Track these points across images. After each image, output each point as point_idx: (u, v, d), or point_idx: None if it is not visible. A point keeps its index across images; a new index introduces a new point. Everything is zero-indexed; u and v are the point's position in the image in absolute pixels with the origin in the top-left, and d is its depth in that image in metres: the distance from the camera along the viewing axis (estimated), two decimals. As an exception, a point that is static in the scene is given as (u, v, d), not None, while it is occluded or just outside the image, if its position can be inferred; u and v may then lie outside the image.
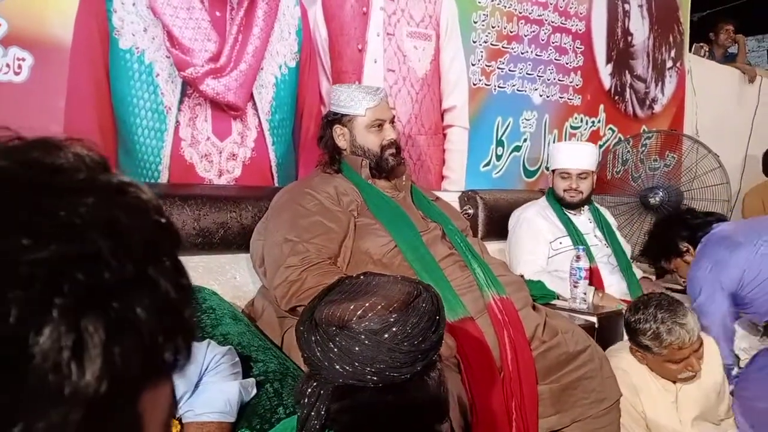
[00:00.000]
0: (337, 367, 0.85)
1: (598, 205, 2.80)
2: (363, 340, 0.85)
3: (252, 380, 1.32)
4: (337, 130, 1.93)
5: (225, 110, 2.09)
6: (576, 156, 2.65)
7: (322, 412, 0.87)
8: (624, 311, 1.96)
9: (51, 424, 0.22)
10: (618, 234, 2.76)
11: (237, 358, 1.32)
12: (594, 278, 2.39)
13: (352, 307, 0.88)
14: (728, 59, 4.69)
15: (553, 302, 2.29)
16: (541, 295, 2.24)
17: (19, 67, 1.71)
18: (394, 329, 0.86)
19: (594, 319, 2.15)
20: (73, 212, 0.24)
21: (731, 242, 2.08)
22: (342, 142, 1.93)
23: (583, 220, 2.65)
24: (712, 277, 2.08)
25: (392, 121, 1.96)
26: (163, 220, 0.29)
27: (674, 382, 1.83)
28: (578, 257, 2.23)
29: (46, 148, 0.26)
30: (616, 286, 2.50)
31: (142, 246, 0.26)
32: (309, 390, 0.89)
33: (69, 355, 0.22)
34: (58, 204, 0.24)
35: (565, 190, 2.61)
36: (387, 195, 1.88)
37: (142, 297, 0.25)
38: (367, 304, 0.88)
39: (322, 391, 0.88)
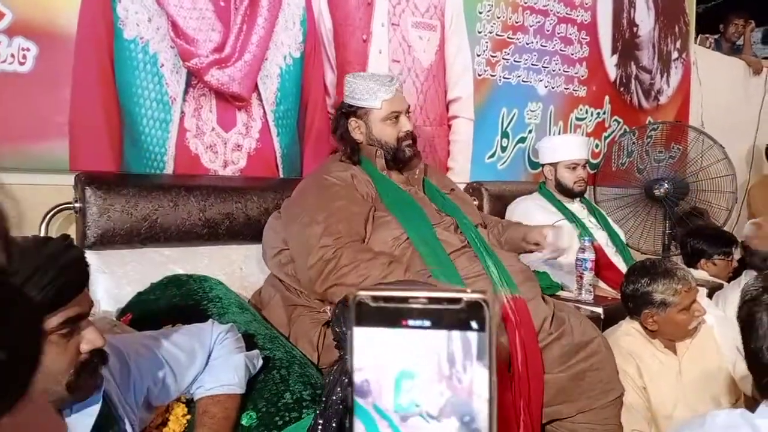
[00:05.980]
0: None
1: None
2: None
3: (256, 352, 1.35)
4: (353, 123, 1.90)
5: (230, 101, 2.09)
6: (578, 146, 2.72)
7: (338, 391, 0.85)
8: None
9: None
10: (609, 219, 2.81)
11: (239, 334, 1.34)
12: (599, 255, 2.39)
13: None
14: (735, 52, 4.66)
15: (558, 293, 2.28)
16: (546, 286, 2.23)
17: (24, 57, 1.71)
18: None
19: (600, 310, 2.14)
20: None
21: None
22: (358, 135, 1.90)
23: (577, 207, 2.70)
24: None
25: (408, 112, 1.93)
26: None
27: (683, 340, 1.83)
28: (583, 249, 2.22)
29: None
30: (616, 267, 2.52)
31: None
32: (334, 367, 0.88)
33: None
34: None
35: (575, 182, 2.66)
36: (401, 188, 1.87)
37: None
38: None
39: (342, 370, 0.86)
